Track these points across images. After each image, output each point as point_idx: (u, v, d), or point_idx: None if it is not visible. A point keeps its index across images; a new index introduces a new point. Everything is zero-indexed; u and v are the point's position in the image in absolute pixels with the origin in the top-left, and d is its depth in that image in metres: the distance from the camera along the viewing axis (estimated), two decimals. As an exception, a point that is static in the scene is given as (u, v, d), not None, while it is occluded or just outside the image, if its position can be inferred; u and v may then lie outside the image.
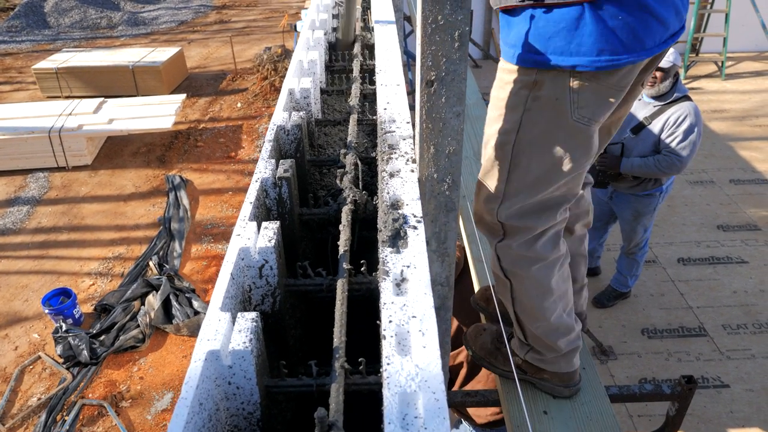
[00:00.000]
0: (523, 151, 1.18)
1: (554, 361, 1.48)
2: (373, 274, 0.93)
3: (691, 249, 5.03)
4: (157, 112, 7.77)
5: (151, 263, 5.52)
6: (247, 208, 0.97)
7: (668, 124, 3.57)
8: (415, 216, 0.93)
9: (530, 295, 1.36)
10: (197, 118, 8.73)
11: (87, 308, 5.15)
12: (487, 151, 1.21)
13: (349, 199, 1.07)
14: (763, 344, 4.09)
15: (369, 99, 1.60)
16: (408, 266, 0.82)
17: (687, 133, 3.53)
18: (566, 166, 1.18)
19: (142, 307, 4.92)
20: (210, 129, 8.36)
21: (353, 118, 1.38)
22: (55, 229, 6.43)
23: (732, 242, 5.14)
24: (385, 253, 0.85)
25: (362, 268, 0.94)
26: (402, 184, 1.02)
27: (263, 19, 13.59)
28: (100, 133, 7.65)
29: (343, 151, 1.22)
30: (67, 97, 9.15)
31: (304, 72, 1.54)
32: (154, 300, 4.88)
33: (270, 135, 1.17)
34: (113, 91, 9.18)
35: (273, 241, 0.88)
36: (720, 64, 8.95)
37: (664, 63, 3.54)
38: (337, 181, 1.15)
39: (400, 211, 0.94)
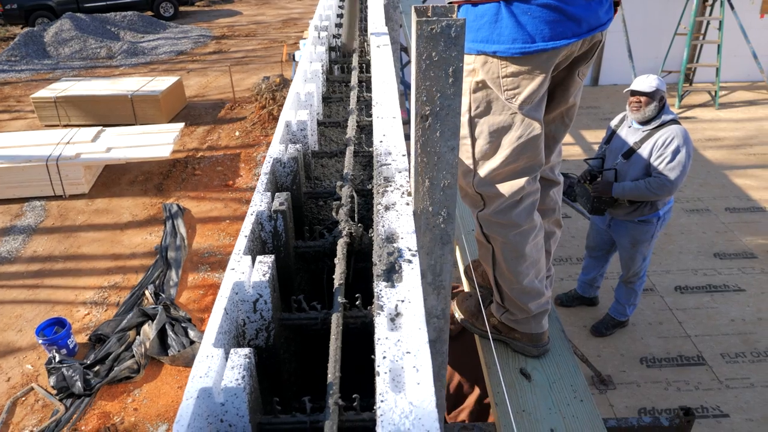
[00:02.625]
0: (477, 128, 1.41)
1: (525, 322, 1.68)
2: (368, 307, 0.92)
3: (689, 277, 5.02)
4: (155, 141, 7.81)
5: (147, 292, 5.49)
6: (242, 241, 0.97)
7: (656, 147, 3.64)
8: (410, 250, 0.93)
9: (507, 259, 1.56)
10: (195, 146, 8.78)
11: (81, 338, 5.10)
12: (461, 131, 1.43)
13: (344, 232, 1.07)
14: (762, 373, 4.05)
15: (366, 131, 1.61)
16: (402, 301, 0.82)
17: (675, 153, 3.59)
18: (512, 138, 1.39)
19: (138, 336, 4.87)
20: (208, 157, 8.40)
21: (350, 150, 1.39)
22: (51, 257, 6.41)
23: (729, 270, 5.14)
24: (379, 287, 0.85)
25: (357, 302, 0.94)
26: (397, 218, 1.02)
27: (262, 49, 13.78)
28: (98, 162, 7.67)
29: (339, 183, 1.23)
30: (66, 126, 9.21)
31: (301, 104, 1.56)
32: (149, 330, 4.84)
33: (266, 167, 1.18)
34: (112, 120, 9.25)
35: (267, 276, 0.88)
36: (713, 93, 9.07)
37: (647, 87, 3.63)
38: (333, 214, 1.15)
39: (395, 245, 0.94)
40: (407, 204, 1.05)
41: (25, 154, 7.50)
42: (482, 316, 1.77)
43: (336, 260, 1.00)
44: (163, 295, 5.42)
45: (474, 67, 1.36)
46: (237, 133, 9.11)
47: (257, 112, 9.44)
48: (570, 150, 7.62)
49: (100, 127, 8.20)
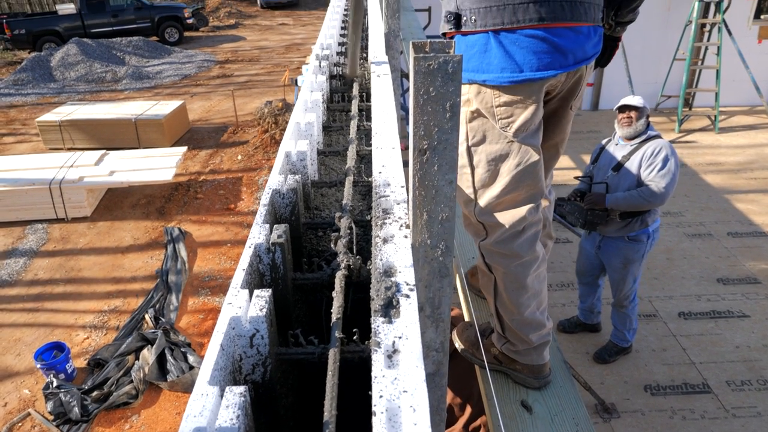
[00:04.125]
0: (476, 157, 1.43)
1: (526, 353, 1.65)
2: (366, 342, 0.92)
3: (692, 303, 4.99)
4: (157, 165, 7.85)
5: (147, 316, 5.46)
6: (239, 275, 0.96)
7: (645, 157, 3.76)
8: (407, 284, 0.93)
9: (508, 289, 1.54)
10: (198, 170, 8.82)
11: (80, 363, 5.06)
12: (459, 160, 1.45)
13: (342, 265, 1.06)
14: (769, 402, 4.00)
15: (366, 160, 1.62)
16: (400, 337, 0.81)
17: (665, 161, 3.70)
18: (510, 166, 1.40)
19: (137, 361, 4.84)
20: (210, 181, 8.43)
21: (349, 180, 1.39)
22: (52, 281, 6.39)
23: (732, 296, 5.10)
24: (377, 323, 0.84)
25: (354, 336, 0.93)
26: (395, 251, 1.02)
27: (265, 74, 13.92)
28: (101, 185, 7.71)
29: (338, 214, 1.23)
30: (70, 149, 9.28)
31: (301, 134, 1.57)
32: (148, 354, 4.80)
33: (265, 199, 1.18)
34: (116, 144, 9.31)
35: (264, 310, 0.87)
36: (713, 118, 9.12)
37: (637, 102, 3.84)
38: (332, 245, 1.15)
39: (392, 279, 0.93)
40: (405, 237, 1.05)
41: (28, 177, 7.54)
42: (482, 346, 1.76)
43: (334, 293, 1.00)
44: (163, 320, 5.40)
45: (468, 97, 1.39)
46: (239, 157, 9.16)
47: (259, 136, 9.51)
48: (570, 175, 7.63)
49: (103, 151, 8.26)
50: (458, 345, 1.85)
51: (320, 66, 2.14)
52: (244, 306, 0.88)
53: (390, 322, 0.84)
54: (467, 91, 1.39)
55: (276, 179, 1.25)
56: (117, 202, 7.94)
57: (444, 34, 1.43)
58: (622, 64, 8.76)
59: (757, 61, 9.03)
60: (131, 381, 4.62)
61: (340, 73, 2.32)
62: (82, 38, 14.78)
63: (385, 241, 1.07)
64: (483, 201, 1.46)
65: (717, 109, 9.00)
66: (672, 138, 8.65)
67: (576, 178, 4.31)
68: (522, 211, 1.44)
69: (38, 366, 4.74)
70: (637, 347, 4.49)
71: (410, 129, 0.95)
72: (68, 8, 16.14)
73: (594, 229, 4.05)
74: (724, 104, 9.41)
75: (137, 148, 9.05)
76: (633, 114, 3.83)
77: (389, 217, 1.11)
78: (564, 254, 5.79)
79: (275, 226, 1.09)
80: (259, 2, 22.64)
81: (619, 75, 9.08)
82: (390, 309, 0.88)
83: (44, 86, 13.04)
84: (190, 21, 17.28)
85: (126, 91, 12.78)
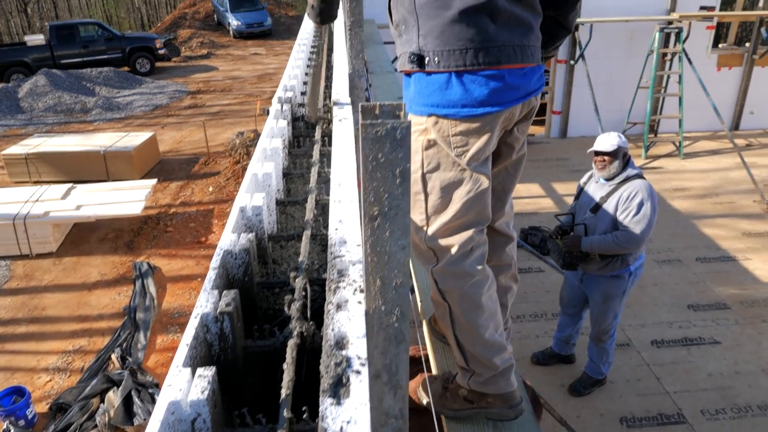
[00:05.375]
0: (430, 183, 1.53)
1: (494, 381, 1.66)
2: (316, 420, 0.87)
3: (664, 330, 5.01)
4: (126, 198, 7.70)
5: (113, 356, 5.29)
6: (182, 351, 0.91)
7: (621, 200, 3.75)
8: (359, 358, 0.89)
9: (465, 312, 1.58)
10: (168, 202, 8.68)
11: (42, 407, 4.86)
12: (413, 188, 1.53)
13: (295, 332, 1.02)
14: (744, 430, 4.01)
15: (326, 210, 1.58)
16: (348, 422, 0.77)
17: (639, 206, 3.69)
18: (462, 193, 1.51)
19: (102, 404, 4.66)
20: (181, 213, 8.30)
21: (306, 235, 1.35)
22: (14, 320, 6.17)
23: (703, 322, 5.15)
24: (325, 404, 0.80)
25: (304, 415, 0.88)
26: (348, 319, 0.98)
27: (237, 104, 13.88)
28: (67, 220, 7.52)
29: (292, 274, 1.19)
30: (36, 182, 9.06)
31: (258, 186, 1.53)
32: (114, 397, 4.63)
33: (215, 261, 1.13)
34: (84, 176, 9.12)
35: (207, 392, 0.82)
36: (678, 144, 9.34)
37: (609, 147, 3.78)
38: (286, 309, 1.11)
39: (343, 353, 0.89)
40: (359, 302, 1.02)
41: (-9, 213, 7.33)
42: (449, 393, 1.75)
43: (284, 365, 0.95)
44: (130, 359, 5.23)
45: (426, 127, 1.50)
46: (210, 189, 9.05)
47: (231, 167, 9.43)
48: (541, 203, 7.72)
49: (70, 185, 8.09)
50: (425, 400, 1.80)
51: (282, 109, 2.11)
52: (185, 388, 0.83)
53: (339, 403, 0.80)
54: (425, 122, 1.51)
55: (228, 239, 1.20)
56: (84, 236, 7.75)
57: (403, 72, 1.56)
58: (588, 93, 8.95)
59: (717, 88, 9.31)
60: (95, 426, 4.44)
61: (304, 114, 2.30)
62: (51, 69, 14.60)
63: (338, 307, 1.03)
64: (435, 226, 1.54)
65: (681, 135, 9.23)
66: (639, 164, 8.82)
67: (556, 216, 4.33)
68: (469, 232, 1.54)
69: (-3, 413, 4.54)
70: (611, 378, 4.48)
71: (360, 195, 0.92)
72: (37, 39, 15.96)
73: (574, 269, 4.09)
74: (688, 130, 9.66)
75: (106, 181, 8.88)
76: (606, 158, 3.80)
77: (344, 280, 1.08)
78: (536, 284, 5.80)
79: (225, 292, 1.05)
80: (231, 32, 22.66)
81: (586, 103, 9.28)
82: (339, 388, 0.83)
83: (11, 118, 12.80)
84: (161, 51, 17.22)
85: (96, 122, 12.60)
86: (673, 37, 9.22)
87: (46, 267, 7.16)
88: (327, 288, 1.10)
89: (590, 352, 4.34)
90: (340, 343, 0.93)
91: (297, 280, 1.18)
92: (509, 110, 1.50)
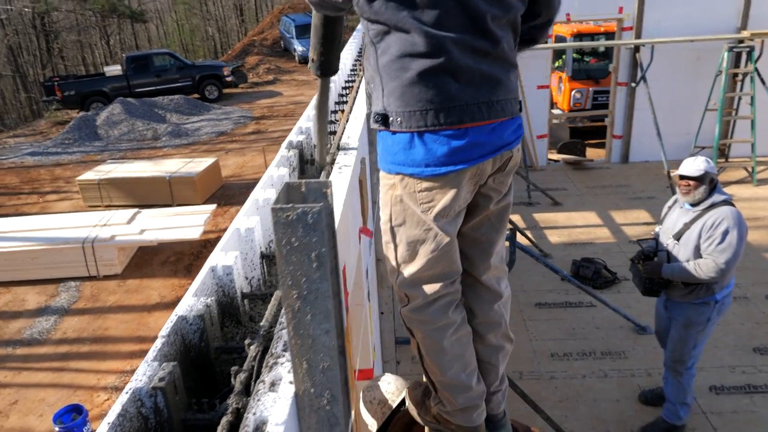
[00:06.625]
0: (398, 236, 1.57)
1: (456, 414, 1.71)
2: None
3: (725, 375, 4.66)
4: (186, 223, 8.02)
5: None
6: (103, 429, 0.91)
7: (705, 228, 3.62)
8: (271, 450, 0.86)
9: (429, 352, 1.64)
10: (227, 226, 8.95)
11: (98, 425, 5.07)
12: (382, 237, 1.62)
13: (230, 409, 1.00)
14: (809, 492, 3.64)
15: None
16: None
17: (724, 234, 3.55)
18: (427, 251, 1.53)
19: None
20: (236, 238, 8.53)
21: (276, 295, 1.34)
22: (79, 339, 6.52)
23: (770, 367, 4.76)
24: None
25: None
26: (274, 402, 0.95)
27: (298, 129, 14.22)
28: (131, 244, 7.91)
29: (247, 341, 1.18)
30: (108, 206, 9.62)
31: (241, 241, 1.53)
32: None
33: (165, 329, 1.14)
34: (150, 200, 9.60)
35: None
36: (750, 169, 8.76)
37: (694, 172, 3.65)
38: (232, 379, 1.09)
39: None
40: (291, 382, 0.99)
41: (63, 236, 7.82)
42: (424, 405, 1.84)
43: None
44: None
45: (393, 183, 1.54)
46: (267, 214, 9.28)
47: (287, 192, 9.63)
48: (596, 232, 7.41)
49: (136, 210, 8.52)
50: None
51: (288, 155, 2.13)
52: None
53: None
54: (393, 178, 1.54)
55: (185, 304, 1.21)
56: (147, 259, 8.11)
57: (373, 129, 1.60)
58: (650, 116, 8.57)
59: (795, 110, 8.69)
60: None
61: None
62: (126, 98, 15.53)
63: (272, 386, 1.01)
64: (404, 274, 1.59)
65: (754, 159, 8.66)
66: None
67: (638, 241, 4.18)
68: (436, 286, 1.57)
69: (56, 429, 4.77)
70: (662, 424, 4.19)
71: (279, 277, 0.90)
72: (115, 70, 17.06)
73: (655, 295, 4.02)
74: (762, 154, 9.04)
75: (171, 205, 9.30)
76: (691, 183, 3.67)
77: (284, 355, 1.05)
78: (586, 319, 5.55)
79: (164, 365, 1.04)
80: (297, 58, 23.41)
81: (648, 127, 8.89)
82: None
83: (89, 144, 13.68)
84: (229, 79, 17.98)
85: (165, 148, 13.26)
86: (744, 57, 8.72)
87: (111, 288, 7.53)
88: (264, 363, 1.08)
89: (666, 390, 4.12)
90: (259, 429, 0.91)
91: (251, 347, 1.17)
92: (476, 167, 1.50)
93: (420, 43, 1.39)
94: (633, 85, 9.21)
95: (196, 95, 17.46)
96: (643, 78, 8.68)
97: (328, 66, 1.95)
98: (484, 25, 1.43)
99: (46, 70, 27.32)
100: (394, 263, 1.61)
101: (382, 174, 1.58)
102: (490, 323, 1.74)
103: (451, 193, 1.49)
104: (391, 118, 1.47)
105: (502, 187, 1.64)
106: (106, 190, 9.89)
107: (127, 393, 0.99)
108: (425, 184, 1.48)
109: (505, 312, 1.78)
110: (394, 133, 1.48)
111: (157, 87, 16.92)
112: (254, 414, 0.93)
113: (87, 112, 15.24)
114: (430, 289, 1.57)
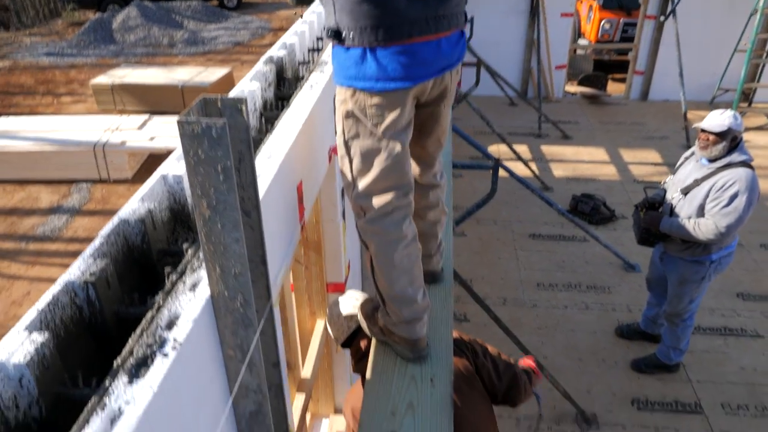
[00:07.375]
0: (352, 149, 1.64)
1: (401, 326, 1.83)
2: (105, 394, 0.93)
3: (703, 316, 4.75)
4: (195, 133, 8.06)
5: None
6: (30, 315, 1.00)
7: (714, 188, 3.48)
8: (176, 341, 0.95)
9: (380, 265, 1.74)
10: (235, 139, 9.01)
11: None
12: (339, 151, 1.70)
13: (156, 306, 1.09)
14: (763, 429, 3.81)
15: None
16: (128, 402, 0.83)
17: (732, 198, 3.42)
18: (381, 160, 1.61)
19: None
20: (244, 151, 8.60)
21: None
22: (89, 239, 6.74)
23: (750, 313, 4.84)
24: (117, 383, 0.87)
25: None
26: (189, 300, 1.04)
27: (316, 44, 13.91)
28: (141, 150, 8.02)
29: (186, 245, 1.25)
30: (120, 111, 9.67)
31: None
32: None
33: (105, 230, 1.22)
34: (162, 107, 9.61)
35: (29, 357, 0.92)
36: (773, 116, 8.50)
37: (717, 127, 3.45)
38: (166, 279, 1.18)
39: (166, 334, 0.95)
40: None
41: (75, 139, 7.94)
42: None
43: (131, 338, 1.03)
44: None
45: (345, 98, 1.60)
46: (276, 129, 9.28)
47: (298, 109, 9.58)
48: (602, 169, 7.33)
49: (147, 116, 8.56)
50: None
51: (264, 70, 2.13)
52: (13, 350, 0.93)
53: (131, 383, 0.87)
54: (344, 93, 1.60)
55: (130, 207, 1.28)
56: (157, 165, 8.22)
57: (331, 44, 1.66)
58: (675, 53, 8.24)
59: (831, 56, 8.30)
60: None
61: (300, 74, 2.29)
62: (143, 1, 15.18)
63: (192, 287, 1.09)
64: (360, 187, 1.67)
65: (779, 106, 8.38)
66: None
67: (646, 188, 4.13)
68: (389, 196, 1.66)
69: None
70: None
71: (190, 186, 0.96)
72: (134, -30, 16.58)
73: (650, 245, 3.97)
74: (788, 101, 8.74)
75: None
76: (711, 137, 3.49)
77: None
78: (577, 253, 5.62)
79: (97, 261, 1.13)
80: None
81: (671, 64, 8.57)
82: (141, 368, 0.90)
83: (104, 48, 13.55)
84: (250, -14, 17.44)
85: (180, 55, 13.10)
86: (784, -5, 8.23)
87: (121, 192, 7.72)
88: (190, 266, 1.16)
89: (664, 334, 4.20)
90: (171, 323, 1.00)
91: (189, 251, 1.25)
92: (421, 85, 1.59)
93: None
94: (662, 18, 8.79)
95: (215, 2, 17.01)
96: (673, 12, 8.27)
97: None
98: None
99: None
100: (350, 177, 1.69)
101: (337, 89, 1.63)
102: (429, 204, 1.94)
103: (398, 110, 1.57)
104: (343, 34, 1.51)
105: (446, 109, 1.77)
106: (119, 95, 9.90)
107: (59, 285, 1.08)
108: (375, 100, 1.55)
109: (440, 196, 1.96)
110: (347, 48, 1.53)
111: (175, -9, 16.47)
112: (169, 310, 1.02)
113: (103, 14, 14.99)
114: (383, 199, 1.66)
